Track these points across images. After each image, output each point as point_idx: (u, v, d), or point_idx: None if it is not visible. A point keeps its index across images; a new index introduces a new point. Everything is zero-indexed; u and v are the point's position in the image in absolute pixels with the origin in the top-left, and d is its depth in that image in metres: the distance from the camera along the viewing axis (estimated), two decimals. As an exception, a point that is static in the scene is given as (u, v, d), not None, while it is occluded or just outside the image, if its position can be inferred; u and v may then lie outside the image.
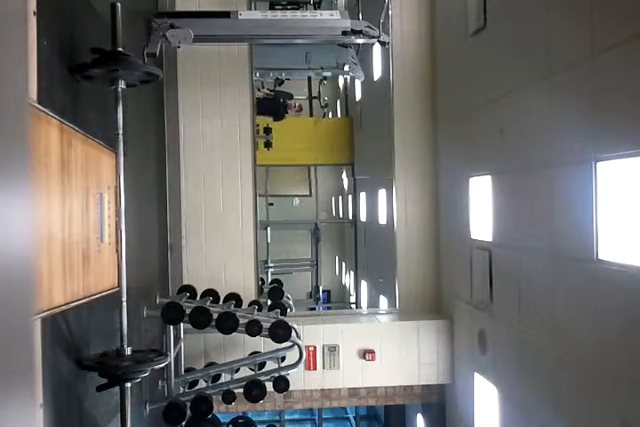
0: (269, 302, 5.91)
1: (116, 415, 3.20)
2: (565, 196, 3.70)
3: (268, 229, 9.05)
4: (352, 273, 10.46)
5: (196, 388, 5.23)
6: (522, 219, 4.35)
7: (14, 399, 0.68)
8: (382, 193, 7.51)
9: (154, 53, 4.78)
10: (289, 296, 6.47)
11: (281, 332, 4.77)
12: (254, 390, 4.90)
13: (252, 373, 5.15)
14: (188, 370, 5.45)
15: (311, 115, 10.04)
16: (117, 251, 3.17)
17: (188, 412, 4.83)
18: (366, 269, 9.30)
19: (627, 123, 3.06)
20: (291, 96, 9.29)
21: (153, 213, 5.25)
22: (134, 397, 3.41)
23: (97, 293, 2.96)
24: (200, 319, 4.60)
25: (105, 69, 2.87)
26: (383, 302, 7.45)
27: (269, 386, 5.03)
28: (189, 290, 5.36)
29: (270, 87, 8.94)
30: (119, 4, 3.05)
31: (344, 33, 5.14)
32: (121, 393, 2.97)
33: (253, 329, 4.69)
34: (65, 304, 2.50)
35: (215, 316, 4.64)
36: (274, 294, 6.23)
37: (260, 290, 6.39)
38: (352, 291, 10.49)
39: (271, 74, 8.52)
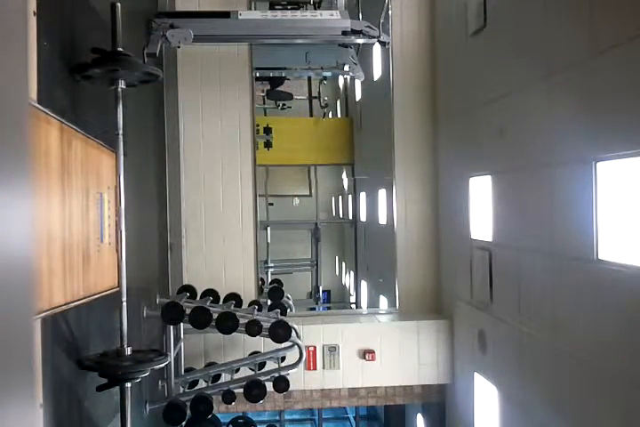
0: (269, 302, 5.91)
1: (116, 415, 3.20)
2: (565, 196, 3.70)
3: (268, 229, 9.04)
4: (352, 273, 10.45)
5: (196, 388, 5.23)
6: (522, 219, 4.35)
7: (14, 399, 0.68)
8: (382, 193, 7.51)
9: (154, 53, 4.77)
10: (289, 296, 6.47)
11: (281, 332, 4.77)
12: (254, 390, 4.90)
13: (252, 373, 5.15)
14: (187, 370, 5.45)
15: (311, 115, 10.04)
16: (117, 251, 3.17)
17: (188, 412, 4.83)
18: (366, 269, 9.30)
19: (626, 123, 3.06)
20: (291, 96, 9.29)
21: (153, 213, 5.25)
22: (134, 397, 3.41)
23: (97, 293, 2.96)
24: (200, 319, 4.60)
25: (105, 69, 2.87)
26: (383, 302, 7.45)
27: (269, 386, 5.03)
28: (189, 290, 5.36)
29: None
30: (119, 4, 3.05)
31: (344, 33, 5.14)
32: (121, 393, 2.97)
33: (253, 329, 4.69)
34: (65, 304, 2.50)
35: (215, 316, 4.64)
36: (274, 294, 6.23)
37: (260, 290, 6.39)
38: (352, 291, 10.49)
39: (271, 74, 8.51)
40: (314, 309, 9.56)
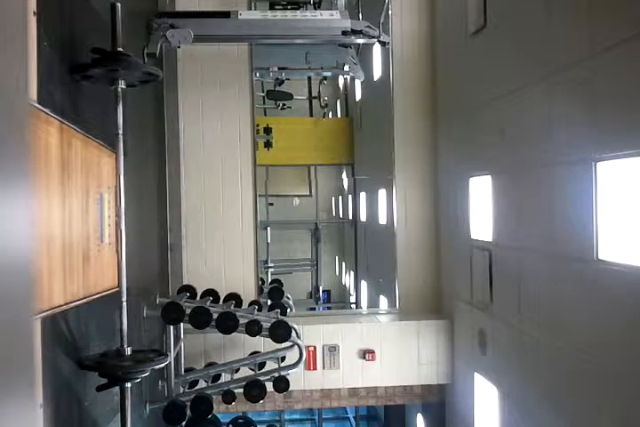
0: (269, 302, 5.91)
1: (116, 415, 3.20)
2: (565, 196, 3.70)
3: (268, 229, 9.04)
4: (352, 273, 10.45)
5: (196, 388, 5.23)
6: (522, 219, 4.35)
7: (14, 399, 0.68)
8: (382, 193, 7.51)
9: (154, 53, 4.78)
10: (289, 296, 6.47)
11: (281, 332, 4.77)
12: (254, 390, 4.90)
13: (252, 373, 5.15)
14: (187, 370, 5.45)
15: (311, 115, 10.03)
16: (117, 251, 3.17)
17: (188, 412, 4.83)
18: (366, 269, 9.30)
19: (627, 123, 3.06)
20: (291, 96, 9.28)
21: (153, 212, 5.25)
22: (134, 397, 3.41)
23: (97, 293, 2.96)
24: (200, 319, 4.60)
25: (105, 69, 2.87)
26: (383, 302, 7.45)
27: (269, 386, 5.03)
28: (189, 290, 5.36)
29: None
30: (119, 4, 3.05)
31: (344, 33, 5.14)
32: (121, 393, 2.97)
33: (253, 329, 4.69)
34: (65, 304, 2.50)
35: (215, 316, 4.64)
36: (274, 294, 6.23)
37: (260, 290, 6.39)
38: (352, 291, 10.49)
39: (271, 74, 8.51)
40: (314, 309, 9.56)
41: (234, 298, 5.42)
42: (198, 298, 5.31)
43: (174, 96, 6.08)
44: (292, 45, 6.77)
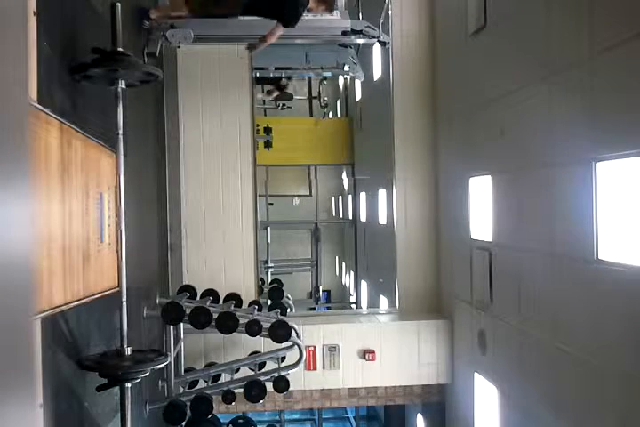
0: (269, 302, 5.91)
1: (116, 415, 3.20)
2: (565, 196, 3.70)
3: (268, 229, 9.05)
4: (352, 273, 10.45)
5: (196, 388, 5.23)
6: (522, 219, 4.35)
7: (14, 399, 0.68)
8: (382, 193, 7.51)
9: (154, 53, 4.77)
10: (289, 296, 6.47)
11: (281, 332, 4.77)
12: (254, 390, 4.90)
13: (252, 373, 5.15)
14: (187, 370, 5.45)
15: (311, 115, 10.04)
16: (117, 251, 3.17)
17: (188, 412, 4.83)
18: (366, 269, 9.30)
19: (626, 123, 3.06)
20: (291, 96, 9.29)
21: (153, 213, 5.25)
22: (134, 397, 3.41)
23: (97, 293, 2.96)
24: (200, 319, 4.60)
25: (105, 69, 2.87)
26: (383, 302, 7.45)
27: (269, 386, 5.03)
28: (189, 290, 5.36)
29: None
30: (119, 4, 3.05)
31: (344, 33, 5.14)
32: (121, 393, 2.97)
33: (253, 329, 4.69)
34: (65, 304, 2.50)
35: (215, 316, 4.64)
36: (274, 293, 6.23)
37: (260, 290, 6.39)
38: (352, 291, 10.49)
39: (271, 74, 8.52)
40: (314, 309, 9.56)
41: (234, 298, 5.42)
42: (198, 298, 5.31)
43: (174, 96, 6.07)
44: (292, 45, 6.77)
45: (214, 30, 5.11)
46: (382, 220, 7.58)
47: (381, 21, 5.23)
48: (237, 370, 5.19)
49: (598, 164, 3.29)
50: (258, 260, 6.39)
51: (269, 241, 9.09)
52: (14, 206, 0.69)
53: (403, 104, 6.33)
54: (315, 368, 5.83)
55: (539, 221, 4.06)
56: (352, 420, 11.42)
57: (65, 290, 2.51)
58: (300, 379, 5.68)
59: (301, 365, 5.13)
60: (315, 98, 9.90)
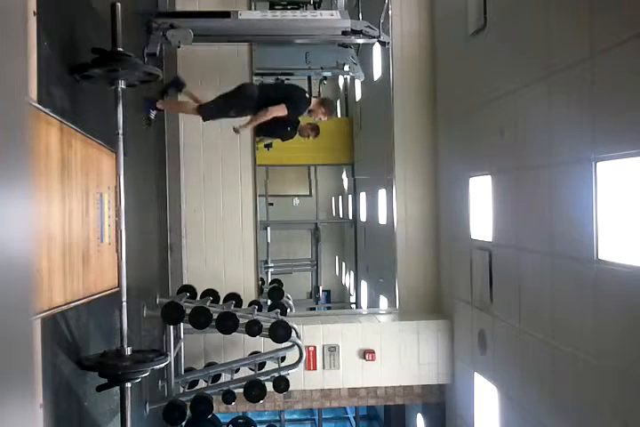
0: (269, 302, 5.91)
1: (116, 415, 3.20)
2: (565, 196, 3.70)
3: (268, 229, 9.05)
4: (352, 273, 10.46)
5: (196, 388, 5.23)
6: (522, 219, 4.35)
7: (14, 399, 0.68)
8: (382, 193, 7.51)
9: (154, 53, 4.78)
10: (289, 296, 6.47)
11: (281, 332, 4.77)
12: (254, 390, 4.90)
13: (252, 373, 5.15)
14: (187, 370, 5.45)
15: (311, 115, 10.02)
16: (117, 251, 3.17)
17: (188, 412, 4.83)
18: (366, 269, 9.30)
19: (626, 123, 3.06)
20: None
21: (153, 212, 5.25)
22: (134, 397, 3.41)
23: (97, 293, 2.96)
24: (200, 319, 4.60)
25: (105, 69, 2.87)
26: (383, 302, 7.45)
27: (269, 386, 5.03)
28: (189, 290, 5.36)
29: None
30: (119, 4, 3.05)
31: (344, 33, 5.14)
32: (121, 393, 2.97)
33: (253, 329, 4.69)
34: (65, 304, 2.49)
35: (215, 316, 4.64)
36: (274, 293, 6.23)
37: (260, 290, 6.39)
38: (352, 291, 10.49)
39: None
40: (314, 309, 9.56)
41: (234, 298, 5.42)
42: (198, 298, 5.31)
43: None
44: (292, 45, 6.76)
45: (214, 30, 5.11)
46: (382, 220, 7.58)
47: (381, 21, 5.23)
48: (237, 370, 5.20)
49: (598, 164, 3.29)
50: (258, 260, 6.39)
51: (269, 241, 9.09)
52: (14, 206, 0.69)
53: (403, 104, 6.33)
54: (315, 368, 5.83)
55: (539, 222, 4.06)
56: (352, 420, 11.42)
57: (65, 290, 2.51)
58: (299, 379, 5.68)
59: (301, 365, 5.13)
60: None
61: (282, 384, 5.06)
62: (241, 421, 5.72)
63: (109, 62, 2.86)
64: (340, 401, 6.07)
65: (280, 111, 4.85)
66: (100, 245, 3.02)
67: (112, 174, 3.20)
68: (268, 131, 5.30)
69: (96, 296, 2.94)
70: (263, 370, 5.23)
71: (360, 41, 5.37)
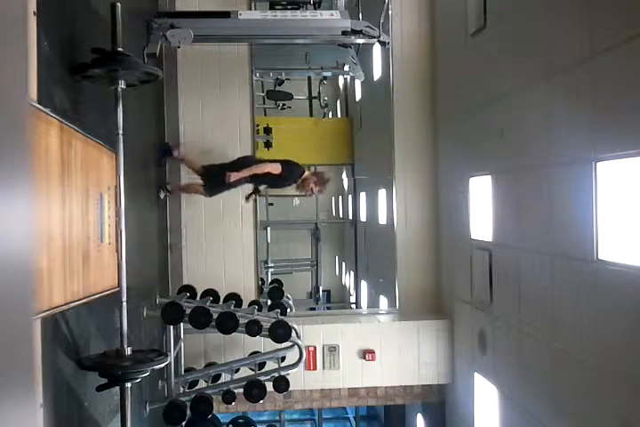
0: (269, 302, 5.91)
1: (116, 415, 3.20)
2: (565, 196, 3.70)
3: (268, 229, 9.04)
4: (352, 273, 10.45)
5: (196, 388, 5.23)
6: (522, 219, 4.35)
7: (14, 399, 0.68)
8: (382, 193, 7.51)
9: (154, 53, 4.78)
10: (289, 296, 6.47)
11: (281, 332, 4.77)
12: (254, 390, 4.90)
13: (252, 373, 5.15)
14: (187, 370, 5.45)
15: (311, 115, 10.03)
16: (117, 251, 3.17)
17: (188, 412, 4.83)
18: (366, 269, 9.30)
19: (627, 123, 3.06)
20: (291, 96, 9.28)
21: (153, 212, 5.24)
22: (134, 397, 3.41)
23: (97, 293, 2.96)
24: (200, 319, 4.60)
25: (105, 69, 2.87)
26: (383, 302, 7.45)
27: (269, 386, 5.03)
28: (189, 290, 5.36)
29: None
30: (119, 4, 3.05)
31: (344, 33, 5.14)
32: (121, 393, 2.97)
33: (253, 329, 4.69)
34: (65, 304, 2.50)
35: (215, 316, 4.64)
36: (274, 293, 6.23)
37: (260, 290, 6.39)
38: (352, 291, 10.48)
39: (271, 74, 8.51)
40: (314, 309, 9.55)
41: (234, 298, 5.43)
42: (198, 298, 5.31)
43: (174, 96, 6.08)
44: (291, 45, 6.77)
45: (214, 30, 5.11)
46: (382, 220, 7.58)
47: (381, 21, 5.23)
48: (237, 370, 5.20)
49: (598, 164, 3.29)
50: (258, 260, 6.39)
51: (269, 241, 9.09)
52: (14, 206, 0.69)
53: (403, 104, 6.33)
54: (315, 368, 5.82)
55: (539, 221, 4.06)
56: (352, 420, 11.42)
57: (65, 290, 2.51)
58: (300, 379, 5.68)
59: (301, 365, 5.13)
60: (315, 98, 9.89)
61: (282, 384, 5.06)
62: (241, 421, 5.72)
63: (109, 62, 2.86)
64: (340, 401, 6.07)
65: (274, 169, 5.23)
66: (100, 245, 3.02)
67: (112, 174, 3.20)
68: (261, 180, 5.49)
69: (96, 296, 2.94)
70: (263, 370, 5.23)
71: (360, 41, 5.37)
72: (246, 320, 4.71)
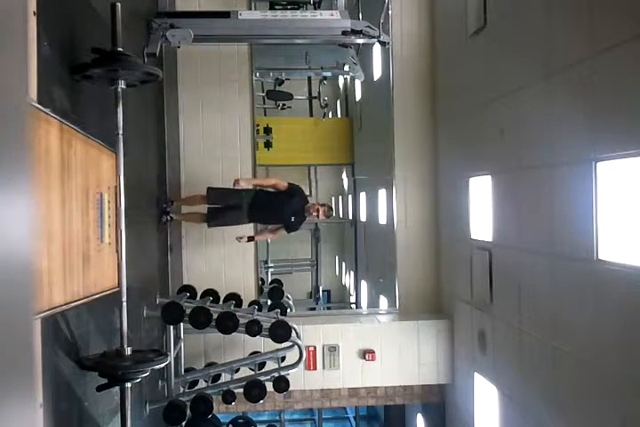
0: (269, 302, 5.91)
1: (116, 415, 3.20)
2: (565, 196, 3.70)
3: (268, 228, 9.02)
4: (352, 273, 10.45)
5: (196, 388, 5.23)
6: (522, 219, 4.35)
7: (14, 399, 0.68)
8: (382, 193, 7.51)
9: (154, 53, 4.77)
10: (289, 296, 6.47)
11: (281, 332, 4.77)
12: (254, 390, 4.90)
13: (252, 373, 5.15)
14: (187, 370, 5.45)
15: (311, 115, 10.04)
16: (117, 251, 3.17)
17: (188, 412, 4.83)
18: (366, 269, 9.30)
19: (626, 123, 3.05)
20: (291, 96, 9.28)
21: (153, 212, 5.24)
22: (134, 397, 3.41)
23: (97, 293, 2.96)
24: (200, 319, 4.60)
25: (105, 69, 2.87)
26: (383, 302, 7.45)
27: (269, 386, 5.03)
28: (189, 290, 5.36)
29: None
30: (119, 4, 3.05)
31: (344, 33, 5.14)
32: (121, 393, 2.97)
33: (253, 329, 4.69)
34: (65, 304, 2.49)
35: (215, 316, 4.64)
36: (274, 293, 6.23)
37: (260, 290, 6.39)
38: (352, 291, 10.49)
39: (271, 74, 8.52)
40: (314, 309, 9.56)
41: (234, 298, 5.43)
42: (198, 298, 5.31)
43: (174, 96, 6.08)
44: (291, 45, 6.77)
45: (214, 30, 5.12)
46: (382, 220, 7.58)
47: (381, 21, 5.23)
48: (237, 370, 5.20)
49: (598, 164, 3.28)
50: (258, 260, 6.39)
51: (269, 241, 9.08)
52: (14, 206, 0.69)
53: (403, 104, 6.34)
54: (315, 368, 5.83)
55: (539, 221, 4.06)
56: (352, 420, 11.42)
57: (65, 290, 2.51)
58: (300, 379, 5.68)
59: (301, 365, 5.14)
60: (315, 98, 9.90)
61: (282, 384, 5.06)
62: (241, 421, 5.72)
63: (109, 62, 2.86)
64: (340, 401, 6.07)
65: (280, 184, 5.39)
66: (99, 245, 3.02)
67: (112, 174, 3.20)
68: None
69: (96, 296, 2.94)
70: (263, 370, 5.23)
71: (360, 41, 5.37)
72: (246, 320, 4.72)
